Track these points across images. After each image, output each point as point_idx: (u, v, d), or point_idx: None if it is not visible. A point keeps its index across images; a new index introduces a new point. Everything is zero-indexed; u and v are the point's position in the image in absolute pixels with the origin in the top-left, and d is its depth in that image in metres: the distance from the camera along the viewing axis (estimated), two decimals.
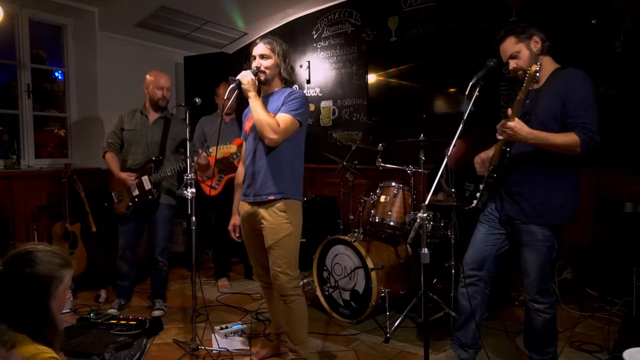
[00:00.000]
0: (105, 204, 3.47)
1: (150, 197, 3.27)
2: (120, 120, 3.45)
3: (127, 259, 3.45)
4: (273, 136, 2.26)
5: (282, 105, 2.32)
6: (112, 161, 3.38)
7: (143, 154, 3.33)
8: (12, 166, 4.20)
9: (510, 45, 2.22)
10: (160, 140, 3.35)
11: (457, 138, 2.01)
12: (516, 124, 2.06)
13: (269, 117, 2.27)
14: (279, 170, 2.35)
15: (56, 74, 4.84)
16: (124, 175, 3.29)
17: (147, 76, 3.40)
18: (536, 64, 2.08)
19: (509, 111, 2.12)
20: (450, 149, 2.04)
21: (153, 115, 3.41)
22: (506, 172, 2.24)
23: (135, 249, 3.51)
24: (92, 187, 4.25)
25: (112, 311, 3.36)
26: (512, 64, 2.22)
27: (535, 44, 2.19)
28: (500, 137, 2.16)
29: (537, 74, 2.05)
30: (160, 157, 3.33)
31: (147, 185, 3.25)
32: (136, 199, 3.30)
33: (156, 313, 3.35)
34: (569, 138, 2.04)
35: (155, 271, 3.44)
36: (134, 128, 3.38)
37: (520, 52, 2.20)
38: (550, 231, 2.17)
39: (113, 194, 3.41)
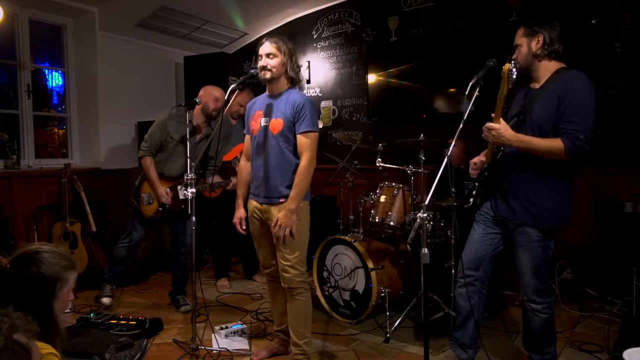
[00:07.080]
0: (134, 200, 3.37)
1: (182, 206, 3.15)
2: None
3: (130, 250, 3.48)
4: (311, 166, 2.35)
5: (295, 121, 2.34)
6: (152, 169, 3.28)
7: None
8: (12, 166, 4.19)
9: (518, 35, 2.21)
10: (203, 155, 3.30)
11: (457, 138, 2.00)
12: (500, 126, 2.05)
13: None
14: (288, 173, 2.38)
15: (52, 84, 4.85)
16: (162, 191, 3.22)
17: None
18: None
19: (492, 115, 2.11)
20: (450, 149, 2.04)
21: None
22: (498, 170, 2.23)
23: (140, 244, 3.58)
24: (92, 187, 4.26)
25: (106, 300, 3.39)
26: (515, 54, 2.20)
27: (537, 43, 2.14)
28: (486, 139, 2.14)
29: (514, 75, 2.00)
30: (201, 171, 3.36)
31: (182, 196, 3.06)
32: (167, 206, 3.28)
33: (182, 309, 3.45)
34: (553, 144, 2.00)
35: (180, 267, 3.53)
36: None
37: (521, 45, 2.18)
38: (544, 232, 2.15)
39: (144, 195, 3.34)
